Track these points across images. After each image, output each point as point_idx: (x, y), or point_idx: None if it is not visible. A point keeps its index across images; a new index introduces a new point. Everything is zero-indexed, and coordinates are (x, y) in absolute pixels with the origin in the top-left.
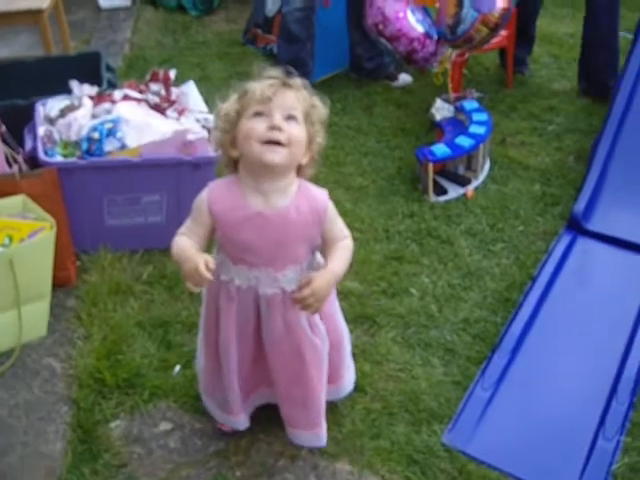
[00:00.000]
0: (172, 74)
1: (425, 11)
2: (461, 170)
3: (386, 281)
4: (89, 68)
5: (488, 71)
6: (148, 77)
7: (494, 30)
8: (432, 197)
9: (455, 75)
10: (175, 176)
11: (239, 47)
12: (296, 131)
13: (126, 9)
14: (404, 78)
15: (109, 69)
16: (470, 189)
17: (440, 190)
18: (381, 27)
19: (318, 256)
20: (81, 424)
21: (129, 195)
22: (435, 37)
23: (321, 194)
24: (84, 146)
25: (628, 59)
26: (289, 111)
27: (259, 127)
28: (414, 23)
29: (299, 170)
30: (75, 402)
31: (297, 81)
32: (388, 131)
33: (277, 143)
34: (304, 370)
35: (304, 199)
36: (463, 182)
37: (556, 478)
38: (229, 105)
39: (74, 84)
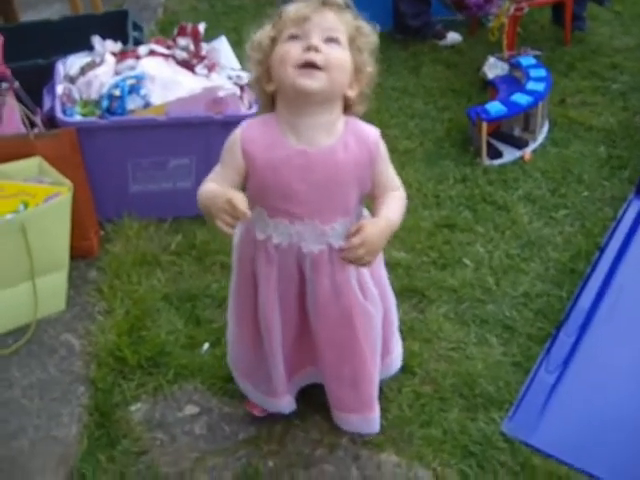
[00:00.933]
0: (201, 28)
1: None
2: (517, 131)
3: (437, 251)
4: (116, 27)
5: (543, 29)
6: (175, 32)
7: None
8: (486, 160)
9: (510, 31)
10: (205, 136)
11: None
12: (337, 53)
13: None
14: (453, 37)
15: (136, 27)
16: (528, 152)
17: (494, 153)
18: None
19: (365, 210)
20: (98, 406)
21: (155, 158)
22: None
23: (372, 130)
24: (104, 104)
25: None
26: (329, 32)
27: (294, 49)
28: None
29: (347, 107)
30: (93, 382)
31: (339, 0)
32: (436, 92)
33: (314, 66)
34: (355, 341)
35: (352, 135)
36: (520, 144)
37: (636, 475)
38: (262, 33)
39: (96, 40)
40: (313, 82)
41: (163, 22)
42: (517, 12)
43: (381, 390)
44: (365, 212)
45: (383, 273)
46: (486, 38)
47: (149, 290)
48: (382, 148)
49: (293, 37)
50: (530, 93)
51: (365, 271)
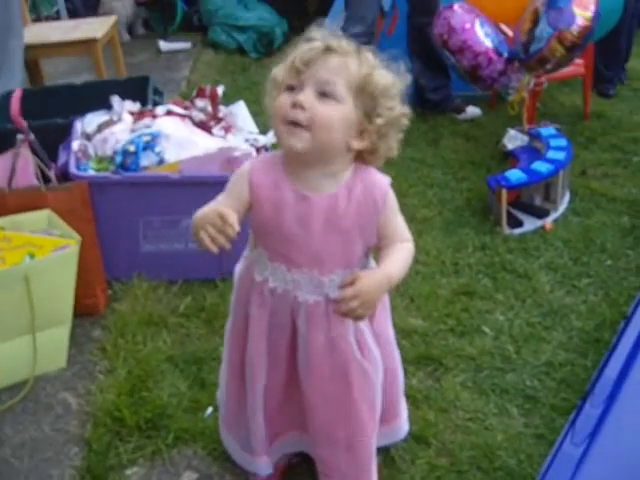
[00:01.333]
0: (220, 90)
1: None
2: (538, 201)
3: (454, 318)
4: (137, 92)
5: (563, 105)
6: (194, 94)
7: (571, 51)
8: (506, 229)
9: (530, 105)
10: None
11: None
12: (327, 111)
13: (186, 52)
14: (472, 111)
15: (157, 92)
16: (549, 221)
17: (514, 222)
18: (445, 37)
19: (372, 262)
20: (91, 469)
21: (167, 217)
22: (505, 55)
23: (381, 178)
24: (118, 159)
25: None
26: (324, 85)
27: (284, 103)
28: (482, 36)
29: (360, 157)
30: (87, 443)
31: (343, 44)
32: (455, 163)
33: (298, 124)
34: (350, 402)
35: (360, 183)
36: (540, 214)
37: None
38: (277, 70)
39: (115, 100)
40: (297, 142)
41: (185, 94)
42: (537, 87)
43: (392, 461)
44: (372, 264)
45: (390, 332)
46: (505, 112)
47: (154, 351)
48: (390, 198)
49: (289, 87)
50: (551, 161)
51: (365, 329)
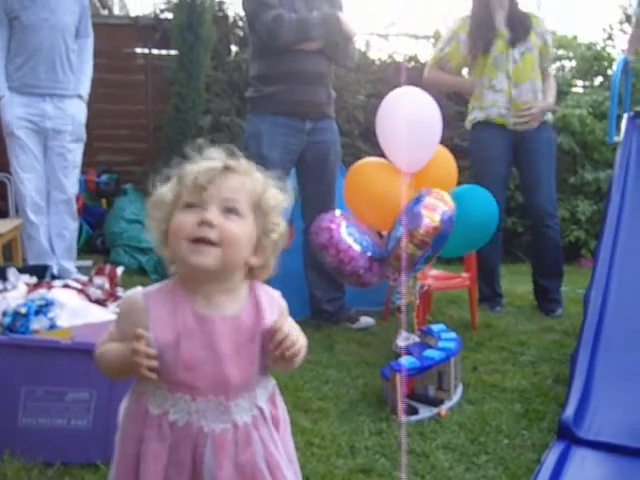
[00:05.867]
0: (119, 271)
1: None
2: (432, 392)
3: None
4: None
5: (452, 318)
6: (93, 272)
7: (421, 248)
8: (402, 417)
9: (421, 309)
10: None
11: None
12: (235, 227)
13: (86, 268)
14: (366, 320)
15: (55, 278)
16: (444, 408)
17: (410, 411)
18: (314, 237)
19: (272, 380)
20: None
21: (52, 388)
22: (369, 254)
23: (275, 293)
24: (7, 320)
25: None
26: (228, 202)
27: (189, 221)
28: (345, 235)
29: (251, 273)
30: None
31: (242, 164)
32: (350, 364)
33: (207, 242)
34: None
35: (258, 301)
36: (435, 403)
37: None
38: (164, 190)
39: (11, 271)
40: (205, 259)
41: None
42: (422, 290)
43: None
44: (272, 381)
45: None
46: (398, 323)
47: None
48: (285, 309)
49: (189, 205)
50: (442, 349)
51: (275, 451)
